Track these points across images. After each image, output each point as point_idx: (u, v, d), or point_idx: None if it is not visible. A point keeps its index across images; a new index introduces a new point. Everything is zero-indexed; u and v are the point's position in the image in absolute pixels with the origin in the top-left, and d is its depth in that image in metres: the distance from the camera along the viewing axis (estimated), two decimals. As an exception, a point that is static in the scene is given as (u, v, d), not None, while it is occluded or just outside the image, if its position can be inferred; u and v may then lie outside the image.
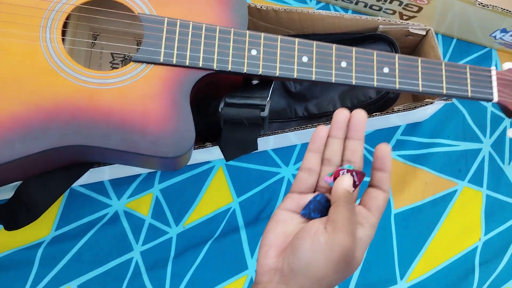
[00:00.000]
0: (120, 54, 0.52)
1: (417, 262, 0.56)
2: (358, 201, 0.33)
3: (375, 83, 0.42)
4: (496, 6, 0.55)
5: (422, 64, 0.43)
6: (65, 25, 0.39)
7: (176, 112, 0.37)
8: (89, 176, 0.52)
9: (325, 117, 0.55)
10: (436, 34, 0.64)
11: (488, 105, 0.62)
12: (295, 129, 0.50)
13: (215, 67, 0.39)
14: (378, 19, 0.52)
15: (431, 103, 0.51)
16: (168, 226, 0.55)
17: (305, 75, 0.41)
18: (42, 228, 0.53)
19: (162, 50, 0.38)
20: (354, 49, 0.42)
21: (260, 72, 0.40)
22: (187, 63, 0.39)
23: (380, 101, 0.54)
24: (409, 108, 0.51)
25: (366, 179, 0.32)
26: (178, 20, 0.39)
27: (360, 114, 0.32)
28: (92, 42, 0.51)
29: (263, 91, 0.41)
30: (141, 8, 0.40)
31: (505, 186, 0.59)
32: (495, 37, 0.61)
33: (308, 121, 0.55)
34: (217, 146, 0.46)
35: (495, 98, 0.45)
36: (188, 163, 0.46)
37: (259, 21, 0.54)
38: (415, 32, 0.54)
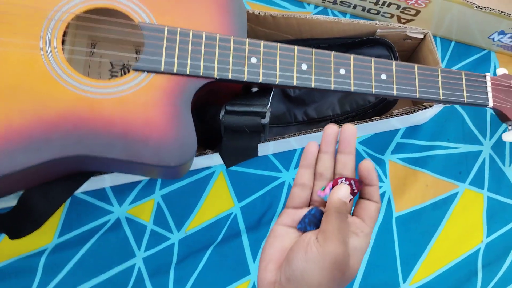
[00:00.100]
0: (119, 62, 0.52)
1: (419, 265, 0.56)
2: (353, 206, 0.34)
3: (373, 90, 0.42)
4: (493, 9, 0.56)
5: (419, 71, 0.44)
6: (64, 34, 0.39)
7: (178, 121, 0.37)
8: (91, 183, 0.52)
9: (325, 121, 0.55)
10: (435, 37, 0.64)
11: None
12: (294, 134, 0.50)
13: (215, 76, 0.39)
14: (376, 23, 0.53)
15: (430, 106, 0.51)
16: (170, 232, 0.55)
17: (304, 82, 0.41)
18: (45, 236, 0.53)
19: (163, 58, 0.39)
20: (352, 56, 0.42)
21: (260, 80, 0.40)
22: (188, 72, 0.39)
23: (379, 105, 0.54)
24: (408, 112, 0.52)
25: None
26: (178, 29, 0.40)
27: (350, 129, 0.33)
28: (91, 51, 0.51)
29: (263, 99, 0.41)
30: (141, 17, 0.40)
31: (506, 187, 0.59)
32: (493, 39, 0.62)
33: (308, 126, 0.56)
34: (217, 153, 0.46)
35: (490, 103, 0.46)
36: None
37: (257, 27, 0.54)
38: (413, 36, 0.54)
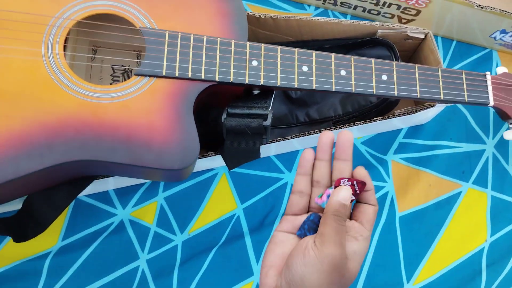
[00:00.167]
0: (120, 67, 0.53)
1: (423, 264, 0.56)
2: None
3: (374, 91, 0.42)
4: (494, 8, 0.55)
5: (419, 71, 0.44)
6: (65, 40, 0.39)
7: (180, 124, 0.37)
8: (94, 186, 0.52)
9: (326, 122, 0.55)
10: (436, 36, 0.64)
11: (490, 106, 0.62)
12: (296, 135, 0.50)
13: (217, 79, 0.40)
14: (377, 24, 0.53)
15: (432, 106, 0.51)
16: (173, 234, 0.55)
17: (305, 84, 0.41)
18: (49, 239, 0.54)
19: (164, 63, 0.39)
20: (352, 57, 0.42)
21: (261, 83, 0.40)
22: (189, 76, 0.39)
23: (381, 105, 0.54)
24: (410, 112, 0.52)
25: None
26: (179, 33, 0.40)
27: (346, 135, 0.34)
28: (93, 56, 0.51)
29: (264, 101, 0.41)
30: (142, 22, 0.40)
31: (510, 186, 0.59)
32: (495, 38, 0.61)
33: (310, 127, 0.56)
34: (220, 155, 0.47)
35: (491, 102, 0.46)
36: (191, 172, 0.47)
37: (258, 29, 0.55)
38: (414, 36, 0.54)
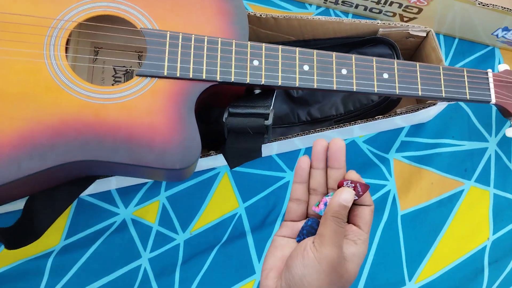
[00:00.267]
0: (122, 67, 0.53)
1: (425, 263, 0.56)
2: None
3: (376, 89, 0.42)
4: (496, 5, 0.55)
5: (421, 69, 0.44)
6: (67, 41, 0.39)
7: (182, 124, 0.38)
8: (97, 186, 0.52)
9: (328, 121, 0.55)
10: (438, 34, 0.64)
11: (492, 104, 0.62)
12: (298, 134, 0.50)
13: (218, 79, 0.40)
14: (378, 23, 0.52)
15: (434, 104, 0.51)
16: (175, 233, 0.55)
17: (307, 83, 0.41)
18: (52, 238, 0.54)
19: (166, 63, 0.39)
20: (353, 56, 0.42)
21: (262, 82, 0.40)
22: (190, 76, 0.39)
23: (383, 104, 0.54)
24: (412, 110, 0.52)
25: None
26: (180, 34, 0.40)
27: (337, 144, 0.34)
28: (94, 57, 0.51)
29: (266, 100, 0.41)
30: (143, 23, 0.40)
31: (513, 184, 0.59)
32: (497, 35, 0.61)
33: (311, 126, 0.56)
34: (221, 154, 0.47)
35: (493, 100, 0.46)
36: (193, 171, 0.47)
37: (259, 28, 0.55)
38: (416, 34, 0.54)
